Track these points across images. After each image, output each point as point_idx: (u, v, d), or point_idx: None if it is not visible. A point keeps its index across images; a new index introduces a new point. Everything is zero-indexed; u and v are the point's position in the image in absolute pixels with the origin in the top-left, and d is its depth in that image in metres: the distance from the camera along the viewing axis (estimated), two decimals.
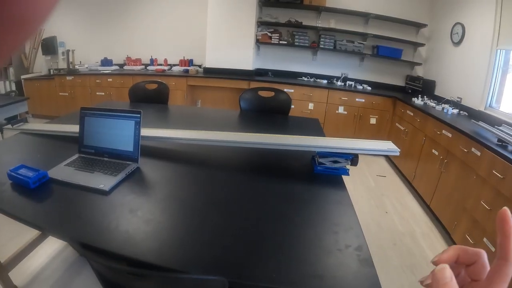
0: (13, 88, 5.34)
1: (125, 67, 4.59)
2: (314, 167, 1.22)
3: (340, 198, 1.10)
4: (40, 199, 1.01)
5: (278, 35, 4.11)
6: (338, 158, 1.19)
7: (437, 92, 3.80)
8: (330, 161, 1.19)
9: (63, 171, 1.16)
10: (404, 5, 4.10)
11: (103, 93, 4.43)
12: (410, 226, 2.55)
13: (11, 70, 5.60)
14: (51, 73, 4.92)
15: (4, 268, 1.52)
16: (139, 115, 1.21)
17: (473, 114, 2.99)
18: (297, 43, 4.10)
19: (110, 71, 4.46)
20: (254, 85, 3.88)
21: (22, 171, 1.07)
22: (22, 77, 4.99)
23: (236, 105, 4.16)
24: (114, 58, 4.72)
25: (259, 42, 4.13)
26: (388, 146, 1.24)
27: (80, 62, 4.88)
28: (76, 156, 1.28)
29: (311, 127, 2.03)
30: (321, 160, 1.20)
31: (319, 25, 4.08)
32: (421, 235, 2.43)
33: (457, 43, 3.49)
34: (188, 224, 0.92)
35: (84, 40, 5.00)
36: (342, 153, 1.19)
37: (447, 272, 0.26)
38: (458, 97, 3.32)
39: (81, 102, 4.55)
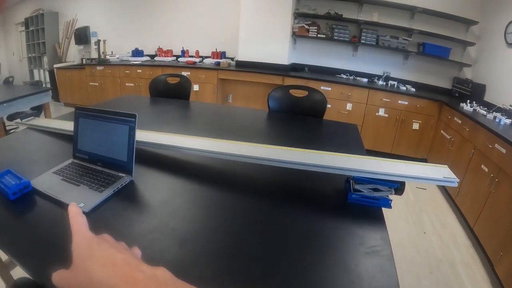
0: (47, 76, 5.39)
1: (156, 58, 4.52)
2: (348, 194, 1.00)
3: (378, 245, 0.83)
4: (17, 215, 0.88)
5: (316, 28, 3.87)
6: (379, 185, 0.97)
7: (487, 97, 3.53)
8: (369, 189, 0.98)
9: (49, 181, 1.01)
10: None
11: (132, 84, 4.38)
12: (450, 251, 2.37)
13: (45, 59, 5.67)
14: (83, 62, 4.92)
15: (5, 266, 1.45)
16: (133, 119, 1.04)
17: None
18: (336, 37, 3.86)
19: (140, 62, 4.40)
20: (288, 80, 3.69)
21: (6, 178, 0.96)
22: (55, 66, 5.02)
23: None
24: (145, 49, 4.66)
25: (295, 35, 3.93)
26: (444, 174, 1.00)
27: (112, 52, 4.85)
28: (69, 161, 1.14)
29: (349, 135, 1.84)
30: (357, 186, 0.98)
31: (361, 18, 3.78)
32: (461, 263, 2.23)
33: None
34: (186, 261, 0.72)
35: (116, 30, 4.96)
36: (386, 180, 0.96)
37: (74, 207, 0.35)
38: (510, 105, 3.03)
39: (111, 92, 4.53)
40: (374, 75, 4.12)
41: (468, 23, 3.78)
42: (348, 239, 0.84)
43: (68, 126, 1.50)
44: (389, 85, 3.91)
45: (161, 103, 2.21)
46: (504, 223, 2.11)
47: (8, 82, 3.87)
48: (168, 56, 4.47)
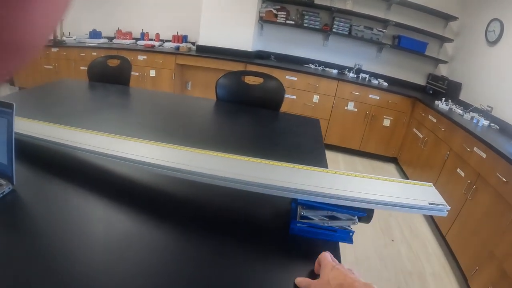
0: None
1: (114, 41, 3.96)
2: (291, 222, 0.62)
3: None
4: None
5: (285, 13, 3.39)
6: (337, 212, 0.60)
7: (463, 96, 3.15)
8: (323, 216, 0.61)
9: None
10: None
11: (86, 68, 3.79)
12: (420, 262, 1.99)
13: None
14: None
15: None
16: (11, 110, 0.72)
17: (506, 129, 2.39)
18: (306, 25, 3.38)
19: (97, 44, 3.84)
20: (251, 68, 3.25)
21: None
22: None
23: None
24: (104, 30, 4.08)
25: (262, 20, 3.43)
26: (431, 198, 0.64)
27: (69, 33, 4.25)
28: None
29: (309, 132, 1.40)
30: (305, 212, 0.60)
31: (334, 6, 3.31)
32: (431, 276, 1.87)
33: (493, 43, 2.83)
34: None
35: (75, 10, 4.33)
36: (348, 207, 0.59)
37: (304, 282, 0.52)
38: (488, 106, 2.70)
39: (65, 76, 3.96)
40: (345, 67, 3.65)
41: (447, 18, 3.37)
42: None
43: None
44: (360, 77, 3.46)
45: (97, 88, 1.77)
46: (481, 234, 1.75)
47: None
48: (127, 39, 3.93)
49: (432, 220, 2.42)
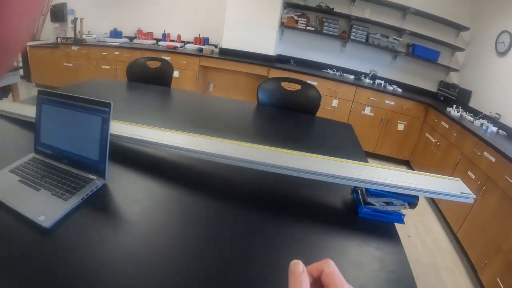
0: (19, 55, 4.76)
1: (135, 41, 4.03)
2: (358, 208, 0.81)
3: (398, 270, 0.64)
4: None
5: (305, 19, 3.51)
6: (394, 198, 0.78)
7: (472, 103, 3.33)
8: (382, 202, 0.80)
9: (4, 182, 0.76)
10: (446, 3, 3.52)
11: (109, 67, 3.89)
12: (434, 256, 2.19)
13: None
14: (58, 41, 4.35)
15: None
16: (108, 109, 0.78)
17: None
18: (325, 31, 3.51)
19: (118, 43, 3.91)
20: (274, 72, 3.32)
21: None
22: (28, 43, 4.40)
23: (252, 93, 3.63)
24: (124, 30, 4.14)
25: (283, 26, 3.53)
26: (460, 188, 0.82)
27: (89, 32, 4.32)
28: (30, 156, 0.88)
29: (345, 136, 1.56)
30: (370, 199, 0.79)
31: (352, 14, 3.42)
32: (444, 269, 2.07)
33: (503, 53, 3.01)
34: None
35: (95, 9, 4.41)
36: (401, 194, 0.78)
37: (300, 266, 0.31)
38: (496, 113, 2.88)
39: (85, 75, 4.03)
40: (361, 73, 3.81)
41: (459, 28, 3.54)
42: (367, 262, 0.65)
43: (22, 109, 1.17)
44: (376, 83, 3.61)
45: (139, 89, 1.87)
46: (490, 231, 1.95)
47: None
48: (148, 39, 3.99)
49: (443, 219, 2.59)
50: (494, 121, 2.80)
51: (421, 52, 3.58)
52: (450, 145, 2.77)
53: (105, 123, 0.77)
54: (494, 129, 2.63)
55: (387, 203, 0.79)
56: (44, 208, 0.68)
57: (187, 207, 0.78)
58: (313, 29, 3.57)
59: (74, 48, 4.03)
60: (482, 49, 3.32)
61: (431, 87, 3.85)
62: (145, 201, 0.77)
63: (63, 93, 0.83)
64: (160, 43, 3.95)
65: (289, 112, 1.79)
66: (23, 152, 0.88)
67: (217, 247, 0.65)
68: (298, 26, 3.56)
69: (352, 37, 3.57)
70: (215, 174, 0.94)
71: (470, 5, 3.49)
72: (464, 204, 2.22)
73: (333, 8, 3.54)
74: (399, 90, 3.56)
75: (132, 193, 0.80)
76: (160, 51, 3.69)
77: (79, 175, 0.80)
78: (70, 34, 4.52)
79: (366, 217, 0.80)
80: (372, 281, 0.61)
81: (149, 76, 2.04)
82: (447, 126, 2.90)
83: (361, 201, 0.81)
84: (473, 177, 2.27)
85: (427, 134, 3.30)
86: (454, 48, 3.62)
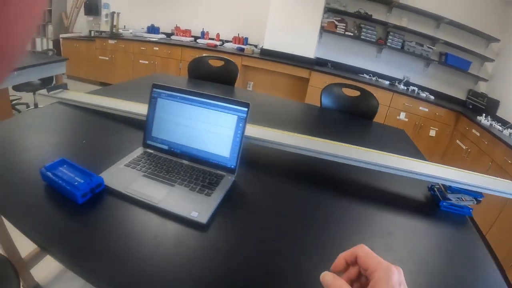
0: (50, 46, 4.78)
1: (173, 37, 4.06)
2: (439, 202, 0.95)
3: (477, 254, 0.76)
4: (87, 226, 0.60)
5: (344, 24, 3.60)
6: (466, 195, 0.95)
7: (500, 113, 3.49)
8: (457, 198, 0.96)
9: (125, 177, 0.75)
10: (478, 15, 3.61)
11: (147, 62, 3.94)
12: None
13: (49, 28, 5.01)
14: (92, 35, 4.36)
15: (25, 264, 1.25)
16: (246, 109, 0.81)
17: None
18: (363, 37, 3.62)
19: (157, 39, 3.91)
20: (315, 75, 3.41)
21: (64, 171, 0.71)
22: (61, 36, 4.43)
23: (291, 94, 3.70)
24: (161, 26, 4.15)
25: (323, 30, 3.59)
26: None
27: (124, 26, 4.34)
28: (139, 151, 0.89)
29: (402, 140, 1.64)
30: (449, 195, 0.95)
31: (390, 21, 3.50)
32: None
33: None
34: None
35: (130, 4, 4.41)
36: (473, 191, 0.95)
37: (328, 276, 0.34)
38: None
39: (122, 69, 4.07)
40: (395, 79, 3.93)
41: (489, 39, 3.67)
42: (449, 246, 0.77)
43: (113, 103, 1.20)
44: (409, 90, 3.72)
45: (204, 87, 1.92)
46: None
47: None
48: (186, 36, 4.04)
49: (473, 223, 2.71)
50: None
51: (454, 61, 3.70)
52: (481, 152, 2.92)
53: (241, 122, 0.80)
54: None
55: (459, 199, 0.96)
56: (191, 203, 0.68)
57: (312, 201, 0.84)
58: (352, 34, 3.66)
59: (111, 41, 4.06)
60: (511, 61, 3.45)
61: (460, 95, 3.98)
62: (274, 196, 0.82)
63: (186, 89, 0.85)
64: (199, 40, 4.00)
65: (350, 116, 1.86)
66: (124, 147, 0.91)
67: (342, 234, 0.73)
68: (337, 31, 3.65)
69: (388, 44, 3.67)
70: (325, 170, 1.03)
71: (501, 17, 3.61)
72: (494, 208, 2.40)
73: (371, 15, 3.64)
74: (432, 97, 3.68)
75: (259, 188, 0.84)
76: (200, 48, 3.76)
77: (207, 171, 0.82)
78: (104, 28, 4.54)
79: (446, 210, 0.93)
80: (453, 262, 0.70)
81: (212, 74, 2.08)
82: (478, 134, 3.06)
83: (440, 196, 0.94)
84: None
85: (457, 141, 3.42)
86: (484, 59, 3.75)
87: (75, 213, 0.62)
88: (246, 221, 0.70)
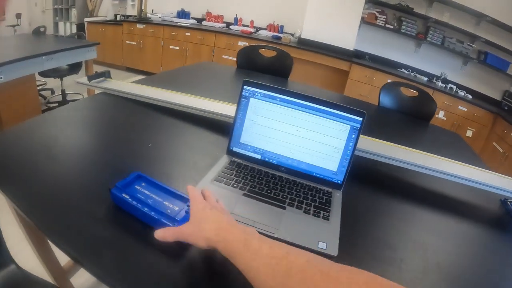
0: (74, 30, 4.64)
1: (204, 23, 3.91)
2: None
3: None
4: (189, 267, 0.49)
5: (384, 17, 3.47)
6: None
7: None
8: None
9: (221, 197, 0.60)
10: None
11: (178, 48, 3.81)
12: None
13: (73, 12, 4.85)
14: (117, 19, 4.21)
15: (64, 272, 1.14)
16: (361, 118, 0.71)
17: None
18: (403, 30, 3.52)
19: (188, 24, 3.77)
20: (355, 68, 3.33)
21: (145, 192, 0.56)
22: (86, 19, 4.28)
23: (329, 86, 3.58)
24: (192, 11, 4.00)
25: (363, 21, 3.46)
26: None
27: (152, 10, 4.19)
28: (224, 160, 0.76)
29: (458, 147, 1.53)
30: None
31: (431, 16, 3.37)
32: None
33: None
34: None
35: None
36: None
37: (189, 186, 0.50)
38: None
39: (150, 54, 3.94)
40: (432, 75, 3.83)
41: None
42: None
43: (178, 98, 1.06)
44: (448, 87, 3.61)
45: (255, 77, 1.81)
46: None
47: (38, 32, 3.13)
48: (218, 22, 3.89)
49: None
50: None
51: (493, 61, 3.60)
52: None
53: (354, 132, 0.71)
54: None
55: None
56: (312, 232, 0.58)
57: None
58: (392, 27, 3.53)
59: (139, 26, 3.92)
60: None
61: (496, 95, 3.89)
62: (378, 211, 0.75)
63: (285, 89, 0.72)
64: (232, 27, 3.86)
65: (407, 117, 1.76)
66: (202, 154, 0.79)
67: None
68: (377, 23, 3.52)
69: (428, 39, 3.55)
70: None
71: None
72: None
73: (412, 8, 3.50)
74: (469, 96, 3.58)
75: (367, 204, 0.77)
76: (235, 35, 3.63)
77: (312, 187, 0.72)
78: (130, 12, 4.38)
79: None
80: None
81: (264, 65, 1.96)
82: None
83: None
84: None
85: (494, 143, 3.34)
86: None
87: (167, 251, 0.48)
88: (367, 242, 0.63)
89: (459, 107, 3.40)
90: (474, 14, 3.48)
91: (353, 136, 0.71)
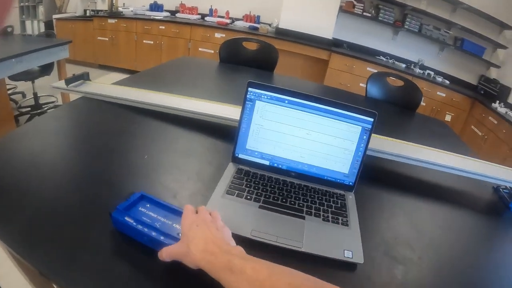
0: (42, 28, 4.37)
1: (178, 15, 3.75)
2: (509, 205, 0.90)
3: None
4: None
5: (362, 5, 3.45)
6: None
7: (511, 100, 3.45)
8: None
9: (237, 212, 0.59)
10: (494, 1, 3.51)
11: (152, 42, 3.65)
12: None
13: (40, 9, 4.56)
14: (88, 14, 3.98)
15: None
16: (372, 119, 0.68)
17: None
18: (381, 18, 3.51)
19: (161, 17, 3.61)
20: (335, 56, 3.30)
21: (151, 215, 0.50)
22: (54, 16, 4.03)
23: (308, 76, 3.52)
24: (165, 3, 3.83)
25: (341, 10, 3.39)
26: None
27: (124, 4, 3.98)
28: (230, 168, 0.70)
29: (445, 134, 1.53)
30: None
31: (409, 4, 3.36)
32: None
33: None
34: None
35: None
36: None
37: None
38: None
39: (124, 50, 3.76)
40: (410, 61, 3.85)
41: (503, 26, 3.62)
42: None
43: (161, 99, 0.96)
44: (425, 74, 3.63)
45: (239, 72, 1.71)
46: None
47: (6, 33, 2.88)
48: (193, 14, 3.74)
49: None
50: None
51: (469, 47, 3.65)
52: (499, 141, 2.91)
53: (366, 133, 0.68)
54: None
55: None
56: (336, 241, 0.56)
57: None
58: (370, 15, 3.50)
59: (111, 21, 3.72)
60: None
61: (472, 79, 3.96)
62: (385, 210, 0.73)
63: (296, 91, 0.67)
64: (207, 18, 3.73)
65: (393, 106, 1.74)
66: (205, 163, 0.72)
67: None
68: (355, 11, 3.48)
69: (406, 26, 3.54)
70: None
71: None
72: None
73: None
74: (447, 81, 3.61)
75: (379, 204, 0.76)
76: (210, 27, 3.50)
77: (324, 191, 0.69)
78: (100, 6, 4.16)
79: None
80: None
81: (248, 59, 1.85)
82: (495, 122, 3.04)
83: (507, 198, 0.91)
84: None
85: (472, 127, 3.39)
86: (497, 45, 3.69)
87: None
88: (387, 240, 0.61)
89: (438, 92, 3.41)
90: (451, 2, 3.49)
91: (365, 137, 0.68)
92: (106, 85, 1.04)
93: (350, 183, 0.71)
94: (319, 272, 0.46)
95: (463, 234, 0.73)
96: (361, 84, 3.36)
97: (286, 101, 0.67)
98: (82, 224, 0.49)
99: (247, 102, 0.68)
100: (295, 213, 0.60)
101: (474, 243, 0.71)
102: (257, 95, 0.68)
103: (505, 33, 3.69)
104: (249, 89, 0.68)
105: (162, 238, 0.44)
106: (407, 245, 0.61)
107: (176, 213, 0.50)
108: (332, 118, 0.68)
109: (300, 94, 0.67)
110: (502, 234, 0.79)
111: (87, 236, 0.47)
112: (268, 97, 0.68)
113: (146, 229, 0.45)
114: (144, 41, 3.68)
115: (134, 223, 0.46)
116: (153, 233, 0.45)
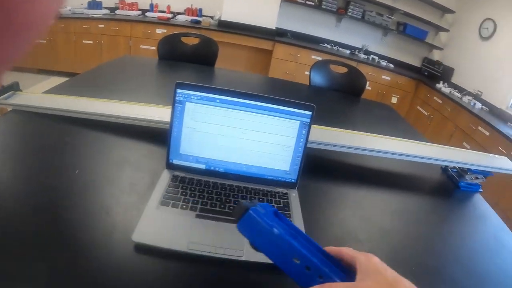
0: None
1: (118, 12, 3.58)
2: (459, 183, 0.97)
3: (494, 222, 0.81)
4: None
5: None
6: (479, 174, 0.99)
7: (455, 80, 3.61)
8: (472, 177, 1.00)
9: (174, 225, 0.54)
10: None
11: (92, 42, 3.46)
12: None
13: None
14: None
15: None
16: (310, 112, 0.65)
17: (494, 111, 2.89)
18: (324, 6, 3.50)
19: (100, 15, 3.42)
20: (279, 47, 3.29)
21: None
22: None
23: (254, 68, 3.47)
24: (103, 0, 3.63)
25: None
26: (506, 164, 1.02)
27: None
28: (165, 176, 0.65)
29: (392, 117, 1.57)
30: (467, 176, 0.98)
31: None
32: None
33: (486, 39, 3.28)
34: None
35: None
36: (484, 170, 0.98)
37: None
38: (479, 90, 3.17)
39: (63, 52, 3.55)
40: (354, 47, 3.90)
41: (444, 10, 3.76)
42: (471, 221, 0.81)
43: (88, 106, 0.88)
44: (370, 58, 3.69)
45: (179, 68, 1.64)
46: (487, 197, 2.29)
47: None
48: (133, 10, 3.57)
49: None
50: (477, 97, 3.08)
51: (412, 31, 3.74)
52: (444, 119, 3.02)
53: (304, 128, 0.65)
54: (479, 105, 2.89)
55: (475, 178, 0.98)
56: None
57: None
58: (313, 3, 3.49)
59: None
60: (466, 32, 3.57)
61: (415, 62, 4.07)
62: (332, 204, 0.73)
63: (225, 88, 0.63)
64: (148, 14, 3.57)
65: (338, 94, 1.74)
66: (139, 172, 0.66)
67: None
68: (298, 0, 3.45)
69: (349, 14, 3.57)
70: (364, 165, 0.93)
71: None
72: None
73: None
74: (391, 65, 3.70)
75: (322, 198, 0.74)
76: (152, 23, 3.36)
77: (266, 191, 0.66)
78: None
79: (466, 190, 0.96)
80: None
81: (187, 54, 1.76)
82: (440, 101, 3.15)
83: (457, 177, 0.97)
84: (468, 147, 2.54)
85: (418, 107, 3.49)
86: (439, 28, 3.82)
87: None
88: (336, 236, 0.62)
89: (383, 76, 3.48)
90: None
91: (304, 131, 0.66)
92: (36, 95, 0.93)
93: (293, 180, 0.68)
94: (265, 283, 0.45)
95: (415, 218, 0.73)
96: (306, 73, 3.31)
97: (218, 100, 0.63)
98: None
99: (176, 104, 0.63)
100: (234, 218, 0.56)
101: (427, 226, 0.72)
102: (186, 96, 0.62)
103: (447, 17, 3.82)
104: (178, 90, 0.62)
105: (327, 270, 0.33)
106: (356, 238, 0.61)
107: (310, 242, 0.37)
108: (268, 115, 0.64)
109: (232, 92, 0.62)
110: (454, 213, 0.82)
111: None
112: (198, 98, 0.63)
113: (304, 250, 0.33)
114: (83, 41, 3.47)
115: (287, 236, 0.34)
116: (314, 259, 0.33)
